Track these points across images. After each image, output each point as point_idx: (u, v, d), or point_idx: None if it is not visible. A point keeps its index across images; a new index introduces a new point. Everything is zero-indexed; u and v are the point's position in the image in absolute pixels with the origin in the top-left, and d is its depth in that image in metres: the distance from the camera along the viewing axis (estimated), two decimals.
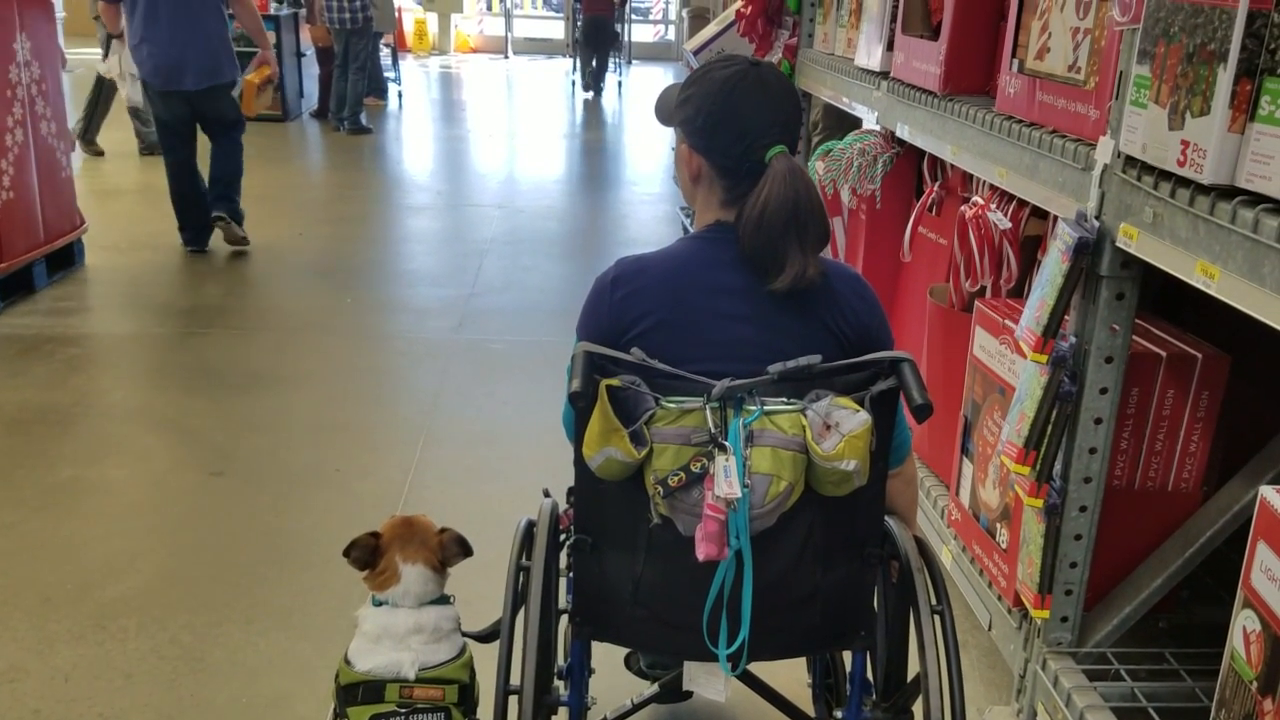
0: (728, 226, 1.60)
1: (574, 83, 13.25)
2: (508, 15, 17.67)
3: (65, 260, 5.17)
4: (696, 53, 6.29)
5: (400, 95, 11.74)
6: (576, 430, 1.48)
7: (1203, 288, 1.55)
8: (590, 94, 12.89)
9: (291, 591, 2.67)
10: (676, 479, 1.41)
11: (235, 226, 5.69)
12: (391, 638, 1.74)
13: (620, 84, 13.66)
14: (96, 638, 2.48)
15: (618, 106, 12.61)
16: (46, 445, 3.44)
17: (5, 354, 4.18)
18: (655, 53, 17.74)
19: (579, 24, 12.94)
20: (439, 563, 1.82)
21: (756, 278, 1.56)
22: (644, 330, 1.54)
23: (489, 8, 19.39)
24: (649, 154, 9.43)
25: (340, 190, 7.69)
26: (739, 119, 1.58)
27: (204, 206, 5.65)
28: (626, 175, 8.54)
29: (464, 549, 1.85)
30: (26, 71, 4.74)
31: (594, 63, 12.88)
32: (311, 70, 10.27)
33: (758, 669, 1.98)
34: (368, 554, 1.81)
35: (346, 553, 1.81)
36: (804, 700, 2.06)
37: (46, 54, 4.92)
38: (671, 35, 17.85)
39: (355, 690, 1.71)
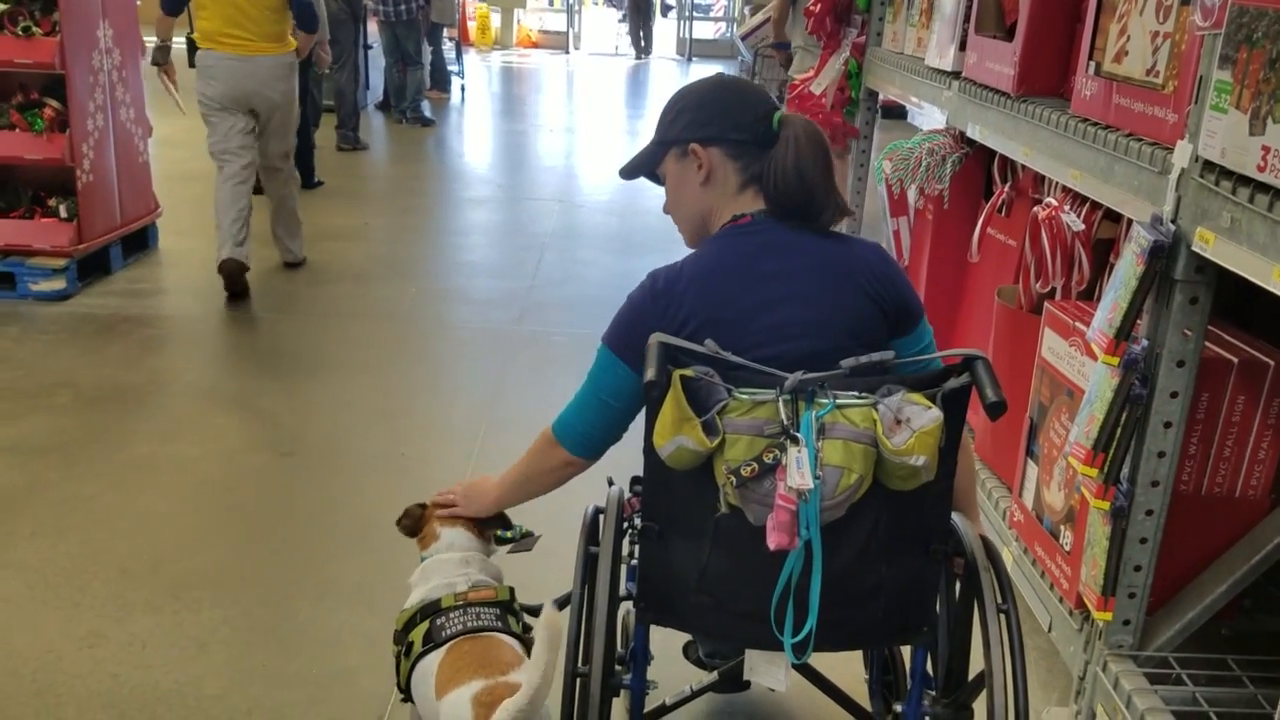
0: (746, 219, 1.67)
1: (616, 48, 17.14)
2: (570, 10, 17.75)
3: (140, 243, 5.32)
4: (745, 38, 6.32)
5: (463, 89, 11.85)
6: (648, 419, 1.51)
7: None
8: (640, 57, 16.68)
9: (359, 570, 2.74)
10: (749, 469, 1.44)
11: None
12: (441, 573, 1.86)
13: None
14: (172, 608, 2.56)
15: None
16: (122, 422, 3.55)
17: (83, 333, 4.31)
18: (715, 50, 17.70)
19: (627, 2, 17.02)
20: (478, 529, 1.95)
21: (787, 258, 1.62)
22: (691, 333, 1.56)
23: (551, 3, 19.49)
24: None
25: (404, 182, 7.81)
26: (740, 94, 1.76)
27: None
28: None
29: (501, 517, 1.98)
30: (108, 58, 4.88)
31: (640, 31, 16.87)
32: (378, 63, 10.39)
33: (815, 662, 2.00)
34: (414, 522, 1.96)
35: (399, 521, 1.98)
36: (861, 695, 2.08)
37: (127, 41, 5.06)
38: (732, 32, 17.80)
39: (414, 619, 1.79)
